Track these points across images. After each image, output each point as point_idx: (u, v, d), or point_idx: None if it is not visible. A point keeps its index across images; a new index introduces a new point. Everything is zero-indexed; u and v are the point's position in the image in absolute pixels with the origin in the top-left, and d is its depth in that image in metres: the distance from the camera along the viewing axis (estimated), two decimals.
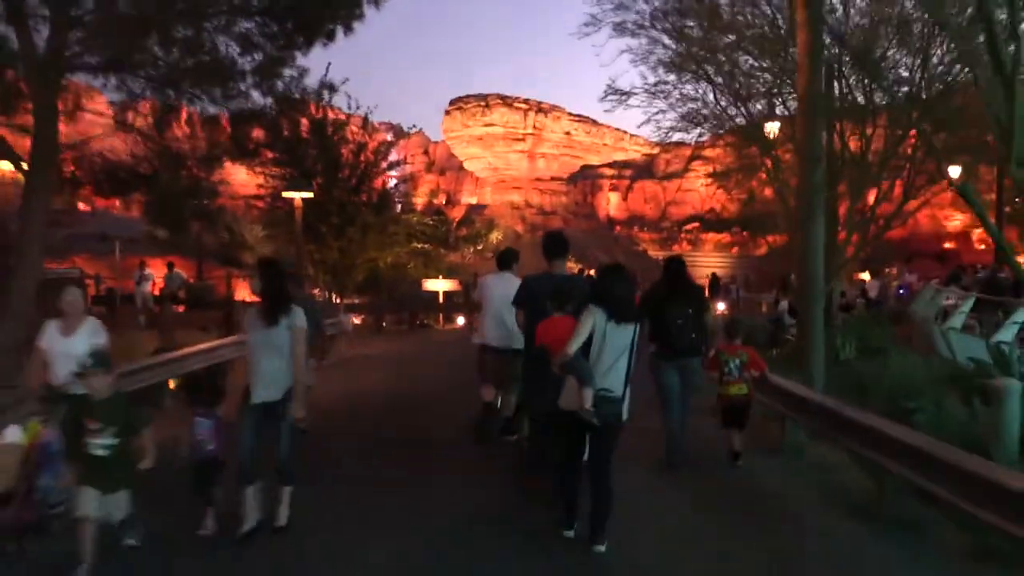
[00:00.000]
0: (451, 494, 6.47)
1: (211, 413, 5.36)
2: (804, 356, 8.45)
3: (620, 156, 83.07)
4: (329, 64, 16.70)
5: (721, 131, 15.88)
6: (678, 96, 14.86)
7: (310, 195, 17.87)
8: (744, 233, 66.91)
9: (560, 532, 5.37)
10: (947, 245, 59.86)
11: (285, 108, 12.33)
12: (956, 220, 61.62)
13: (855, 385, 9.97)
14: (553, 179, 79.95)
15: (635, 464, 7.25)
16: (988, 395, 7.18)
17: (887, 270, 26.21)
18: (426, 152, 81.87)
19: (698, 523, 5.90)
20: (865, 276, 30.64)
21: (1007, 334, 9.67)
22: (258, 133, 13.76)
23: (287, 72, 12.05)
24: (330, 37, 11.99)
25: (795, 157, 14.96)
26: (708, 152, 20.04)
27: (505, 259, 7.73)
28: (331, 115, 23.74)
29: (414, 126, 26.08)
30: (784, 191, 14.59)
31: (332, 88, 14.40)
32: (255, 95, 12.01)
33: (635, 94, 15.56)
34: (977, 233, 60.91)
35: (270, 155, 16.93)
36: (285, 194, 18.62)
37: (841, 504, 6.29)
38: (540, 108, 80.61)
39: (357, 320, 25.72)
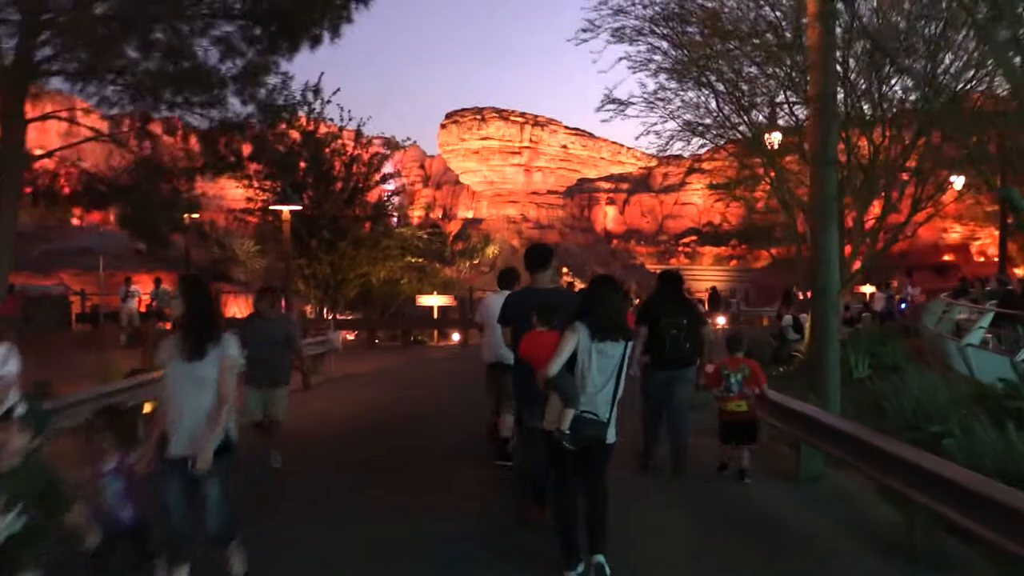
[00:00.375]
0: (442, 525, 5.97)
1: (123, 464, 4.33)
2: (818, 375, 7.87)
3: (617, 169, 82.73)
4: (322, 74, 16.35)
5: (723, 141, 15.33)
6: (679, 104, 14.32)
7: (299, 208, 17.29)
8: (743, 246, 66.53)
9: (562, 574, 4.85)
10: (946, 257, 59.42)
11: (269, 117, 11.76)
12: (955, 232, 61.27)
13: (872, 406, 9.41)
14: (550, 192, 79.54)
15: (641, 494, 6.82)
16: (1020, 418, 6.62)
17: (891, 282, 25.66)
18: (422, 166, 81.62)
19: (710, 559, 5.38)
20: (866, 288, 30.09)
21: None
22: (242, 144, 13.18)
23: (270, 80, 11.52)
24: (316, 41, 11.47)
25: (803, 166, 14.49)
26: (708, 164, 19.56)
27: (506, 278, 7.60)
28: (323, 128, 23.31)
29: (408, 138, 25.59)
30: (790, 200, 14.05)
31: (317, 92, 13.81)
32: (236, 103, 11.46)
33: (633, 103, 15.08)
34: (976, 245, 60.65)
35: (255, 167, 16.34)
36: (273, 207, 18.05)
37: (866, 538, 5.76)
38: (536, 121, 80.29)
39: (350, 336, 25.17)
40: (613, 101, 15.18)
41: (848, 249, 13.49)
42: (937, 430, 7.17)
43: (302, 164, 22.57)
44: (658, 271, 11.77)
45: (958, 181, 17.96)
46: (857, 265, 13.91)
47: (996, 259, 58.74)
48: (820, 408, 7.26)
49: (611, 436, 4.76)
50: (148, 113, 12.03)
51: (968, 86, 12.77)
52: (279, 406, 7.51)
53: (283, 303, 18.88)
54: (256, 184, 21.82)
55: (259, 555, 5.07)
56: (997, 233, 54.80)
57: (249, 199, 23.10)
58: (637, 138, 23.27)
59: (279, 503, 6.61)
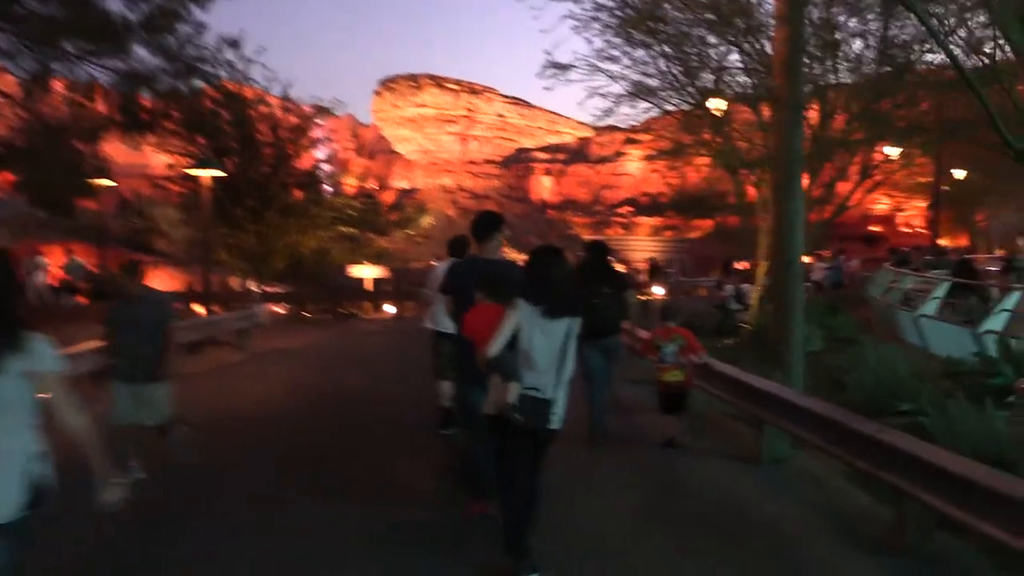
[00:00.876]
0: (382, 515, 5.40)
1: None
2: (782, 350, 7.40)
3: (554, 139, 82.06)
4: (241, 29, 15.23)
5: (671, 104, 14.79)
6: (627, 63, 13.70)
7: (220, 174, 16.07)
8: (678, 217, 66.92)
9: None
10: (873, 228, 60.78)
11: (181, 70, 10.66)
12: (883, 203, 62.80)
13: (829, 381, 9.01)
14: (486, 162, 78.50)
15: (588, 477, 6.33)
16: (999, 396, 6.23)
17: (825, 252, 25.73)
18: (355, 135, 79.71)
19: (666, 549, 4.87)
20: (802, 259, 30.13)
21: (997, 323, 8.80)
22: (161, 103, 12.00)
23: (181, 28, 10.40)
24: None
25: (752, 132, 14.07)
26: (647, 134, 19.12)
27: (457, 246, 7.29)
28: (248, 91, 22.00)
29: (336, 99, 24.31)
30: (736, 163, 13.60)
31: (235, 45, 12.67)
32: (143, 54, 10.32)
33: (576, 67, 14.49)
34: (902, 216, 62.28)
35: (170, 127, 15.09)
36: (190, 172, 16.74)
37: (842, 528, 5.25)
38: (472, 89, 78.90)
39: (280, 309, 24.09)
40: (555, 65, 14.60)
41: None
42: (909, 408, 6.73)
43: (226, 128, 21.31)
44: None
45: (893, 151, 17.92)
46: (810, 231, 13.61)
47: (920, 230, 60.46)
48: (786, 386, 6.79)
49: (556, 421, 4.34)
50: (45, 65, 10.79)
51: (919, 55, 12.66)
52: (157, 407, 6.09)
53: (208, 277, 17.78)
54: (176, 148, 20.49)
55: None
56: (922, 205, 56.28)
57: (170, 165, 21.73)
58: (580, 103, 22.72)
59: (213, 500, 5.82)
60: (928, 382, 7.42)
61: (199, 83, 12.63)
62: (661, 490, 6.11)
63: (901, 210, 60.86)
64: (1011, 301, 9.02)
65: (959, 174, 28.81)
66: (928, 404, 6.51)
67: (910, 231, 60.03)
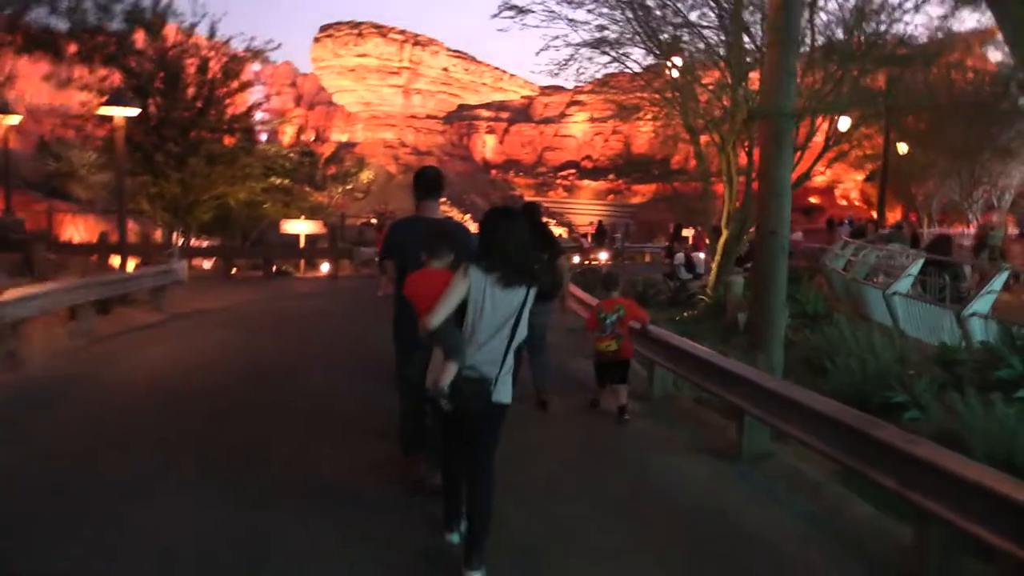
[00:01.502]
0: (312, 505, 4.76)
1: None
2: (763, 331, 6.62)
3: (499, 97, 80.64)
4: None
5: (632, 61, 13.92)
6: (590, 6, 12.75)
7: (133, 112, 14.53)
8: (620, 181, 66.77)
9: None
10: (812, 200, 61.42)
11: None
12: (821, 176, 63.35)
13: (802, 363, 8.30)
14: (429, 117, 76.62)
15: (534, 475, 5.43)
16: (1006, 390, 5.56)
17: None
18: (294, 84, 77.17)
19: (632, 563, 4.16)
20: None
21: (983, 305, 8.21)
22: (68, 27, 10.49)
23: None
24: None
25: (712, 94, 13.30)
26: (601, 91, 18.33)
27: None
28: (173, 28, 20.29)
29: (271, 41, 22.50)
30: (697, 118, 12.85)
31: None
32: None
33: (533, 12, 13.52)
34: (841, 189, 63.16)
35: (75, 50, 13.49)
36: (103, 110, 15.10)
37: (844, 548, 4.48)
38: (417, 41, 76.61)
39: (206, 265, 22.64)
40: (512, 8, 13.62)
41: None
42: (902, 400, 6.02)
43: (147, 64, 19.61)
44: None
45: (844, 122, 17.45)
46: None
47: (857, 203, 61.25)
48: (770, 373, 6.02)
49: (504, 395, 3.94)
50: None
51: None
52: None
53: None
54: (94, 85, 18.73)
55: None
56: (860, 178, 56.89)
57: (82, 103, 19.94)
58: (538, 52, 21.66)
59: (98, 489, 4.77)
60: (917, 370, 6.75)
61: (112, 7, 11.15)
62: (626, 491, 5.29)
63: (840, 182, 61.66)
64: (999, 282, 8.48)
65: (902, 148, 28.87)
66: (927, 397, 5.82)
67: (847, 203, 60.90)
